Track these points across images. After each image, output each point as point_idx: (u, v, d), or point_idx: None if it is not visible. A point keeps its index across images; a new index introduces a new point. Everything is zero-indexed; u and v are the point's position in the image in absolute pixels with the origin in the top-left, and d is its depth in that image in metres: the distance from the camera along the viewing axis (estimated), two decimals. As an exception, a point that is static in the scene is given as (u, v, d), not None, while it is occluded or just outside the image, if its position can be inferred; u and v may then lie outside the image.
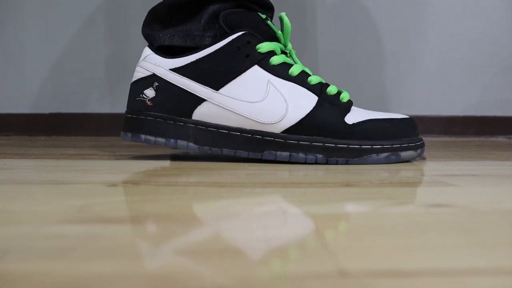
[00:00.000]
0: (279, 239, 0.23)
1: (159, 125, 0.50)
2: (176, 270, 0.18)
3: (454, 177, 0.42)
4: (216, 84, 0.49)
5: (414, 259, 0.20)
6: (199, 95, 0.49)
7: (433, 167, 0.49)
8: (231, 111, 0.49)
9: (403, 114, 0.53)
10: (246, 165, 0.48)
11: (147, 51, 0.52)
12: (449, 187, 0.37)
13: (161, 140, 0.50)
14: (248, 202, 0.31)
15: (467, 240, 0.23)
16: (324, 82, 0.52)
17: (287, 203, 0.31)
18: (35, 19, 0.98)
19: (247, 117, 0.49)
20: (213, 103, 0.49)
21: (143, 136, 0.51)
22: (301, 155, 0.48)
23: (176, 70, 0.50)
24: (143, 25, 0.55)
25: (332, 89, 0.51)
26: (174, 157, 0.57)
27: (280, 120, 0.48)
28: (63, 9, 0.98)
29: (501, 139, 0.98)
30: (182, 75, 0.50)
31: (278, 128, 0.49)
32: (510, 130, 1.02)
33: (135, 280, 0.17)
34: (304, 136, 0.48)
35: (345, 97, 0.51)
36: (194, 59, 0.50)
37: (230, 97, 0.49)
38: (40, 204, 0.30)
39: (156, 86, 0.50)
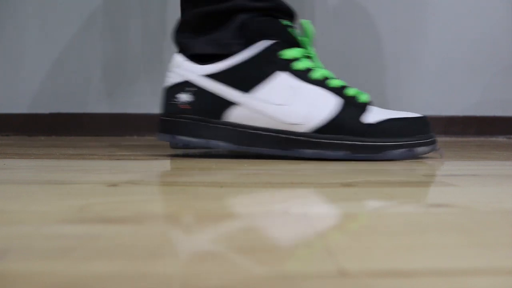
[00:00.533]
0: (279, 239, 0.23)
1: (192, 126, 0.54)
2: (176, 270, 0.18)
3: (454, 177, 0.42)
4: (245, 88, 0.53)
5: (414, 259, 0.20)
6: (229, 99, 0.53)
7: (433, 167, 0.49)
8: (259, 113, 0.52)
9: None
10: (246, 164, 0.48)
11: (179, 57, 0.56)
12: (449, 187, 0.37)
13: (193, 140, 0.54)
14: (248, 202, 0.31)
15: (467, 240, 0.23)
16: (344, 84, 0.55)
17: (287, 203, 0.31)
18: (35, 19, 0.99)
19: (273, 119, 0.52)
20: (243, 106, 0.53)
21: (177, 137, 0.55)
22: (328, 152, 0.52)
23: (208, 76, 0.54)
24: (175, 33, 0.58)
25: (351, 91, 0.54)
26: (174, 157, 0.57)
27: (304, 122, 0.52)
28: (63, 9, 0.98)
29: (501, 139, 0.99)
30: (214, 80, 0.53)
31: (302, 129, 0.52)
32: (510, 130, 1.02)
33: (135, 280, 0.17)
34: (327, 135, 0.52)
35: (363, 98, 0.54)
36: (224, 66, 0.53)
37: (258, 100, 0.52)
38: (40, 204, 0.30)
39: (189, 90, 0.54)
